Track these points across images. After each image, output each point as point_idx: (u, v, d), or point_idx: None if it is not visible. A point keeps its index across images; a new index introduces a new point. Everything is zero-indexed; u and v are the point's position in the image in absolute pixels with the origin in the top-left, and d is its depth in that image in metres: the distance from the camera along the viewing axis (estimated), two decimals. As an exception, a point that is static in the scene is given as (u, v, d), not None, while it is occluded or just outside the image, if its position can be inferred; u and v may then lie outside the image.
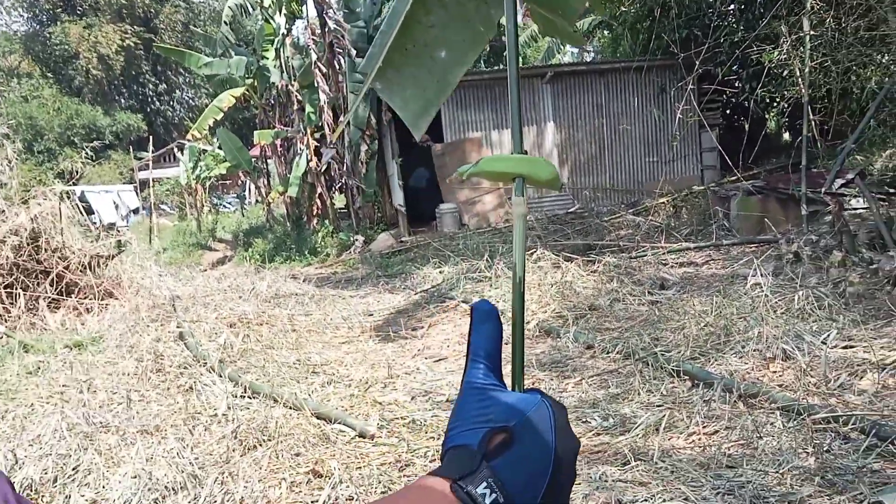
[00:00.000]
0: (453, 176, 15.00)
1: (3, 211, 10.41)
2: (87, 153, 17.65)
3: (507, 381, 0.81)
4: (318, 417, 5.19)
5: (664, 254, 9.85)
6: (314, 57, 16.29)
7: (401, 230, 15.87)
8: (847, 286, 6.56)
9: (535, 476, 0.71)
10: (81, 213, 12.32)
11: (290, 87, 17.16)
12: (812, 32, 8.34)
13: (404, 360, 6.84)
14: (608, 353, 6.09)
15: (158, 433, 5.12)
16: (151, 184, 24.81)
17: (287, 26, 17.37)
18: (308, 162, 16.72)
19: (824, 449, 3.81)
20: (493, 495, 0.68)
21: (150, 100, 51.37)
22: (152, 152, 25.13)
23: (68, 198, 12.19)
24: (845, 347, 5.38)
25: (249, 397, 5.76)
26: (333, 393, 5.93)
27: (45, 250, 10.16)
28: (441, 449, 0.76)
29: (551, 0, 1.00)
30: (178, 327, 8.43)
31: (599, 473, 3.90)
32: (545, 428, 0.73)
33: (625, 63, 16.36)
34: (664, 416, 4.53)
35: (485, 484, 0.68)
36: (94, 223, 12.94)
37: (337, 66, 15.85)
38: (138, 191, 33.43)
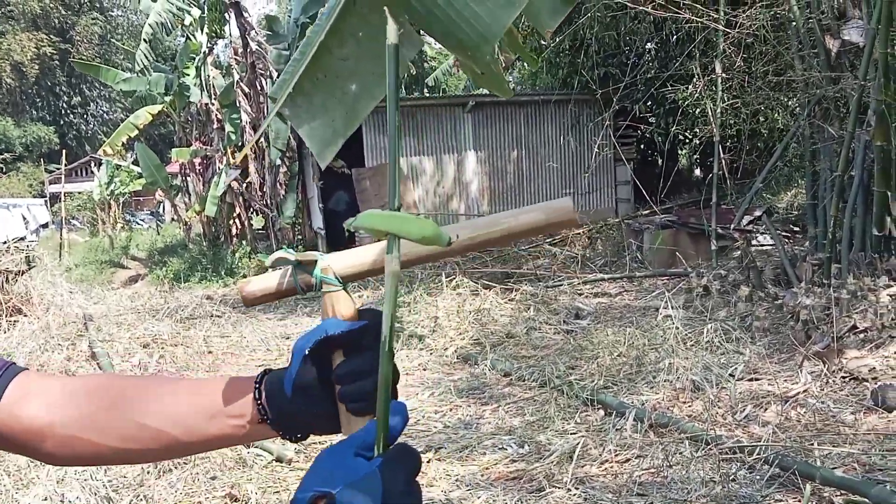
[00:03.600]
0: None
1: None
2: (-2, 166, 17.16)
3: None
4: (234, 441, 5.15)
5: (579, 284, 10.05)
6: (236, 77, 16.20)
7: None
8: (754, 320, 6.81)
9: None
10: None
11: (210, 105, 17.02)
12: (723, 75, 8.68)
13: (322, 385, 6.84)
14: (524, 380, 6.21)
15: (70, 455, 5.02)
16: (63, 198, 24.23)
17: (209, 45, 17.22)
18: (234, 181, 16.57)
19: (731, 478, 3.96)
20: None
21: (63, 112, 50.13)
22: (65, 165, 24.58)
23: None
24: (751, 380, 5.60)
25: (165, 420, 5.68)
26: (250, 417, 5.90)
27: (-48, 265, 9.87)
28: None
29: (461, 45, 1.02)
30: (90, 346, 8.27)
31: (515, 500, 3.99)
32: (370, 499, 0.76)
33: (543, 96, 16.64)
34: (578, 443, 4.64)
35: None
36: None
37: (259, 87, 15.78)
38: (48, 205, 32.62)
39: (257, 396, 1.01)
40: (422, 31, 1.05)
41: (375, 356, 0.92)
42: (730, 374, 5.60)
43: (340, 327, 0.96)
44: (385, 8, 0.92)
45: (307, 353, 0.96)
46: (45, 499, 4.23)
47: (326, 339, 0.96)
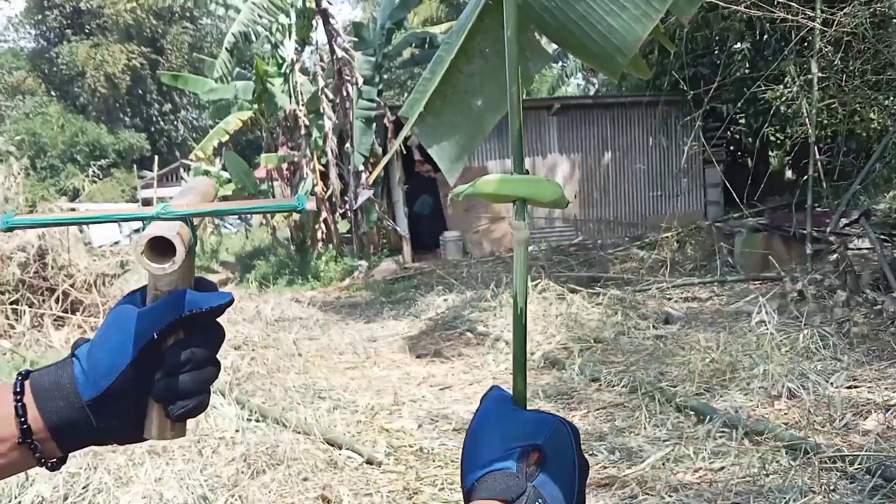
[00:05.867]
0: (450, 197, 14.91)
1: (11, 227, 10.45)
2: (94, 172, 17.61)
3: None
4: (326, 443, 5.22)
5: (668, 288, 9.89)
6: (321, 84, 16.44)
7: (404, 257, 15.93)
8: (851, 326, 6.61)
9: (567, 489, 0.75)
10: (86, 231, 12.38)
11: (297, 111, 17.28)
12: (820, 74, 8.44)
13: (409, 388, 6.88)
14: (614, 386, 6.13)
15: (166, 454, 5.13)
16: (155, 203, 24.85)
17: (297, 52, 17.51)
18: (314, 186, 16.81)
19: (831, 488, 3.84)
20: None
21: (154, 119, 51.59)
22: (156, 171, 25.20)
23: (74, 216, 12.22)
24: (850, 387, 5.43)
25: (257, 421, 5.78)
26: (340, 418, 5.95)
27: (52, 267, 10.19)
28: (462, 464, 0.80)
29: (596, 60, 1.01)
30: (183, 348, 8.44)
31: (608, 506, 3.94)
32: (568, 445, 0.77)
33: (631, 97, 16.48)
34: (671, 450, 4.57)
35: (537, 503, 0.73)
36: (87, 243, 12.98)
37: (345, 93, 15.97)
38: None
39: (20, 413, 0.76)
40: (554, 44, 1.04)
41: (216, 337, 0.82)
42: (828, 382, 5.44)
43: (210, 301, 0.79)
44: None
45: (156, 336, 0.76)
46: (144, 497, 4.33)
47: (189, 318, 0.78)
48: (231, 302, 0.80)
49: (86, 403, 0.76)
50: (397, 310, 11.14)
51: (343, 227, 17.42)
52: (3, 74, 50.06)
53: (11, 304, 9.84)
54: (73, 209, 12.43)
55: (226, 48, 14.83)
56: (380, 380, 7.26)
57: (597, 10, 0.95)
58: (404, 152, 15.89)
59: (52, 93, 49.92)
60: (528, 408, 0.84)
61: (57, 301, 10.05)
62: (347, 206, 16.61)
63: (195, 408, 0.79)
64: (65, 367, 0.79)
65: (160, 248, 0.75)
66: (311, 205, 0.80)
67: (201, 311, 0.77)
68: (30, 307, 9.88)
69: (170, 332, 0.77)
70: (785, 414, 5.10)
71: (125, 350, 0.76)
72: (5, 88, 49.23)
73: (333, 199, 17.00)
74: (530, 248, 14.57)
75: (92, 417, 0.77)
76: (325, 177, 17.10)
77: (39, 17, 50.45)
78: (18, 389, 0.77)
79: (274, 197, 21.14)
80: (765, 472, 4.11)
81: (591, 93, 22.55)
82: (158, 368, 0.77)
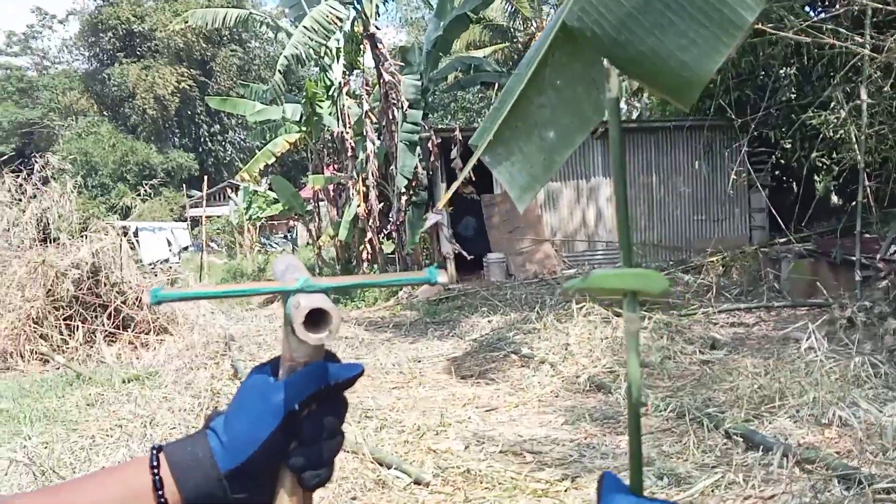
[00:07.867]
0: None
1: (65, 244, 10.71)
2: (144, 191, 17.98)
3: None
4: (375, 462, 5.27)
5: (714, 313, 9.84)
6: (366, 107, 16.61)
7: (448, 278, 15.98)
8: (902, 354, 6.55)
9: None
10: (136, 249, 12.62)
11: (344, 134, 17.47)
12: (869, 101, 8.39)
13: (455, 409, 6.91)
14: (661, 411, 6.12)
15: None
16: (203, 221, 25.24)
17: (345, 76, 17.73)
18: (357, 207, 16.95)
19: (884, 518, 3.83)
20: None
21: (202, 140, 52.36)
22: (205, 190, 25.58)
23: (125, 234, 12.49)
24: (902, 416, 5.38)
25: (307, 439, 5.84)
26: (387, 438, 6.01)
27: (105, 284, 10.41)
28: None
29: (668, 90, 1.04)
30: (233, 365, 8.58)
31: (657, 532, 3.94)
32: None
33: (675, 122, 16.43)
34: (720, 477, 4.56)
35: None
36: (138, 261, 13.22)
37: (391, 116, 16.12)
38: (190, 228, 34.04)
39: (158, 486, 0.78)
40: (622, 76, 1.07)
41: (344, 407, 0.84)
42: (881, 411, 5.39)
43: (347, 372, 0.82)
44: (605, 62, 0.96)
45: (297, 407, 0.79)
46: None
47: (328, 389, 0.81)
48: (363, 372, 0.83)
49: (224, 475, 0.78)
50: (441, 330, 11.20)
51: (388, 247, 17.54)
52: (57, 95, 51.26)
53: (65, 319, 10.06)
54: (124, 228, 12.66)
55: (279, 70, 15.03)
56: (425, 400, 7.31)
57: (667, 45, 0.99)
58: (447, 175, 16.05)
59: (104, 113, 51.03)
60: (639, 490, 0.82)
61: (109, 317, 10.27)
62: (393, 227, 16.70)
63: (327, 477, 0.83)
64: (200, 439, 0.81)
65: (311, 319, 0.77)
66: (442, 278, 0.85)
67: (339, 382, 0.81)
68: (83, 323, 10.11)
69: (309, 403, 0.79)
70: (836, 442, 5.07)
71: (266, 421, 0.78)
72: (59, 109, 50.39)
73: (377, 220, 17.12)
74: (572, 271, 14.58)
75: (228, 489, 0.78)
76: (368, 198, 17.25)
77: (93, 39, 51.60)
78: (155, 463, 0.79)
79: (320, 218, 21.40)
80: (817, 501, 4.09)
81: (634, 116, 22.49)
82: (295, 438, 0.80)
